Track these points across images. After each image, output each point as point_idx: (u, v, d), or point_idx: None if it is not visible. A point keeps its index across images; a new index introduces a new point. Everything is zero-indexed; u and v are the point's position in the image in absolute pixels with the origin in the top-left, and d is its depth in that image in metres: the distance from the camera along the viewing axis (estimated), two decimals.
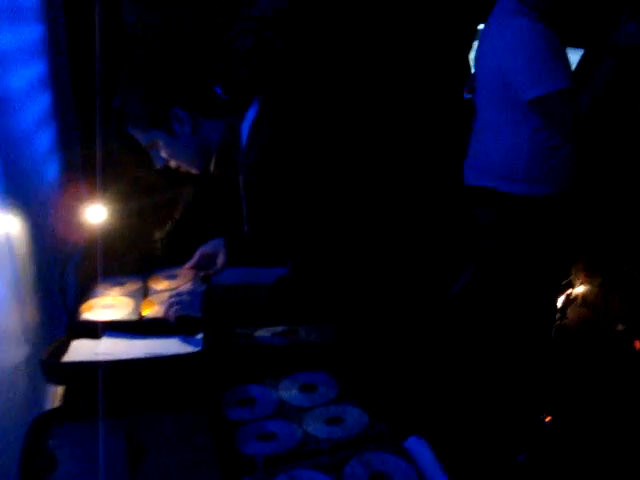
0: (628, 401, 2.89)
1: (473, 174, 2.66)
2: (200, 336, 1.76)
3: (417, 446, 1.39)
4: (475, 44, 4.22)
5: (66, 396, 1.66)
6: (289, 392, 1.58)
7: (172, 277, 2.08)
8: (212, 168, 1.76)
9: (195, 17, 2.56)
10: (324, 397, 1.56)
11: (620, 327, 3.42)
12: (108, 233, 2.01)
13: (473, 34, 4.22)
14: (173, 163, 1.77)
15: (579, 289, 3.74)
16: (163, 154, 1.74)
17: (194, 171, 1.79)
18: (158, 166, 1.78)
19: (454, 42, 3.65)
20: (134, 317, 1.86)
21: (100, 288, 2.02)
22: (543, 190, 2.48)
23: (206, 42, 1.75)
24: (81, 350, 1.72)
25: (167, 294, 1.89)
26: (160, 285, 2.04)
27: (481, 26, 4.13)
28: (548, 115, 2.33)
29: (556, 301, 3.05)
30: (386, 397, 1.56)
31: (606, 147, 2.99)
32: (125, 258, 2.13)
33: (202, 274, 2.06)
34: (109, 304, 1.93)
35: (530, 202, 2.49)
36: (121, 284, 2.06)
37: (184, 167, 1.78)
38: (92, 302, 1.94)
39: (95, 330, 1.79)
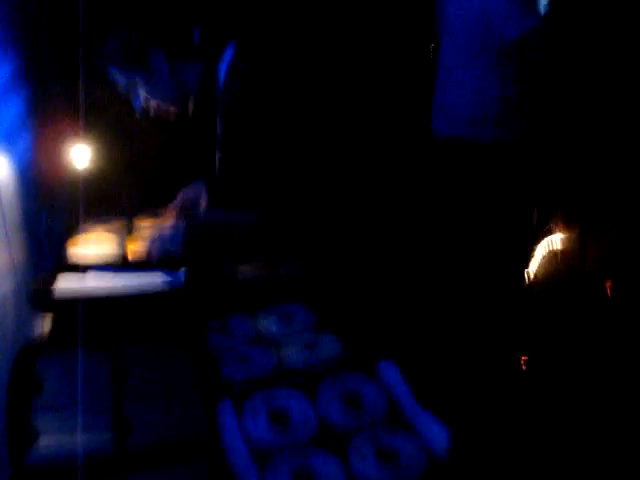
0: (601, 340, 2.97)
1: (441, 125, 2.68)
2: (182, 271, 1.82)
3: (387, 369, 1.47)
4: None
5: (54, 326, 1.72)
6: (267, 321, 1.65)
7: (156, 216, 2.14)
8: (190, 110, 1.80)
9: None
10: (300, 326, 1.63)
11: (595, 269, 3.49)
12: (92, 175, 2.06)
13: None
14: (152, 103, 1.81)
15: (557, 237, 3.81)
16: (142, 94, 1.78)
17: (173, 112, 1.83)
18: (137, 108, 1.82)
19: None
20: (119, 251, 1.92)
21: (86, 226, 2.08)
22: (510, 135, 2.52)
23: None
24: (68, 282, 1.78)
25: (151, 230, 1.95)
26: (145, 223, 2.10)
27: None
28: (527, 51, 2.35)
29: (529, 246, 3.10)
30: (360, 326, 1.63)
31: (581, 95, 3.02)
32: (110, 199, 2.19)
33: (185, 215, 2.12)
34: (95, 239, 1.99)
35: (498, 147, 2.53)
36: (107, 222, 2.11)
37: (163, 108, 1.82)
38: (78, 238, 2.00)
39: (81, 265, 1.85)
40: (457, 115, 2.58)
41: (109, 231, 2.04)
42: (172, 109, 1.82)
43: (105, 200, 2.16)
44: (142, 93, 1.77)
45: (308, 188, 1.69)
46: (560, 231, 3.81)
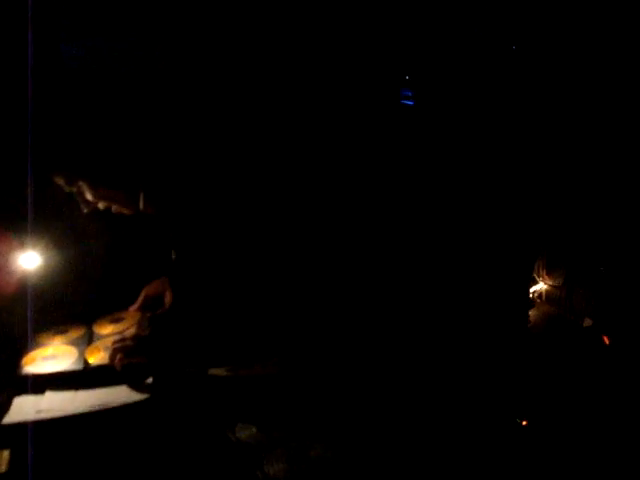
0: (602, 397, 2.83)
1: None
2: (149, 381, 1.66)
3: None
4: None
5: (11, 461, 1.54)
6: (247, 432, 1.48)
7: (118, 320, 1.97)
8: (141, 205, 1.67)
9: None
10: (285, 434, 1.47)
11: (587, 322, 3.37)
12: (44, 282, 1.90)
13: None
14: (101, 205, 1.67)
15: (542, 285, 3.69)
16: (89, 197, 1.64)
17: (125, 211, 1.70)
18: (86, 210, 1.68)
19: None
20: (78, 367, 1.75)
21: (41, 338, 1.91)
22: None
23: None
24: (22, 409, 1.61)
25: (112, 339, 1.79)
26: (105, 330, 1.93)
27: None
28: None
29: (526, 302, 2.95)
30: (352, 429, 1.47)
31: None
32: (66, 305, 2.02)
33: (149, 315, 1.96)
34: (51, 354, 1.82)
35: None
36: (63, 332, 1.94)
37: (115, 208, 1.68)
38: (33, 354, 1.82)
39: (38, 385, 1.68)
40: None
41: (66, 343, 1.87)
42: (123, 207, 1.68)
43: (60, 308, 2.00)
44: (89, 196, 1.63)
45: (277, 282, 1.55)
46: (544, 280, 3.70)
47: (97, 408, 1.57)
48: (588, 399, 2.86)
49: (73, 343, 1.87)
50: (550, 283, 3.70)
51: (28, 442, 1.49)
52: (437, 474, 1.56)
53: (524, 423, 2.83)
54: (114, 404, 1.58)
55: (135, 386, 1.65)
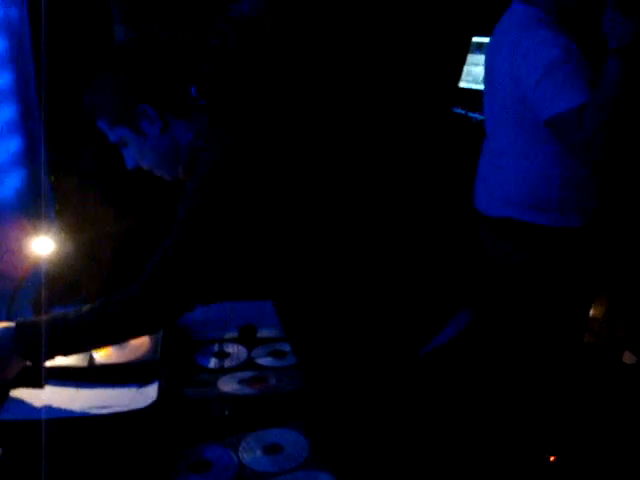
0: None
1: (492, 203, 2.36)
2: (155, 385, 1.54)
3: None
4: (478, 58, 4.05)
5: (3, 460, 1.43)
6: (251, 454, 1.36)
7: None
8: (181, 174, 1.57)
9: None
10: (292, 460, 1.34)
11: (628, 357, 3.20)
12: (58, 266, 1.81)
13: (466, 46, 4.02)
14: (144, 166, 1.58)
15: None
16: (134, 154, 1.55)
17: (166, 177, 1.60)
18: (129, 167, 1.58)
19: (444, 53, 3.41)
20: (84, 362, 1.64)
21: None
22: (577, 221, 2.23)
23: (185, 40, 1.55)
24: (19, 403, 1.51)
25: None
26: None
27: (483, 39, 3.96)
28: (561, 137, 2.08)
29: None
30: (365, 460, 1.34)
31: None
32: (80, 292, 1.93)
33: None
34: None
35: (564, 234, 2.23)
36: None
37: (156, 172, 1.59)
38: None
39: (38, 377, 1.58)
40: (510, 195, 2.28)
41: None
42: (164, 173, 1.59)
43: (73, 295, 1.90)
44: (134, 153, 1.54)
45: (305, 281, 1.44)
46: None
47: (98, 411, 1.47)
48: (625, 443, 2.70)
49: None
50: (591, 312, 3.53)
51: (22, 442, 1.39)
52: None
53: (552, 459, 2.68)
54: (117, 408, 1.47)
55: (139, 390, 1.54)
